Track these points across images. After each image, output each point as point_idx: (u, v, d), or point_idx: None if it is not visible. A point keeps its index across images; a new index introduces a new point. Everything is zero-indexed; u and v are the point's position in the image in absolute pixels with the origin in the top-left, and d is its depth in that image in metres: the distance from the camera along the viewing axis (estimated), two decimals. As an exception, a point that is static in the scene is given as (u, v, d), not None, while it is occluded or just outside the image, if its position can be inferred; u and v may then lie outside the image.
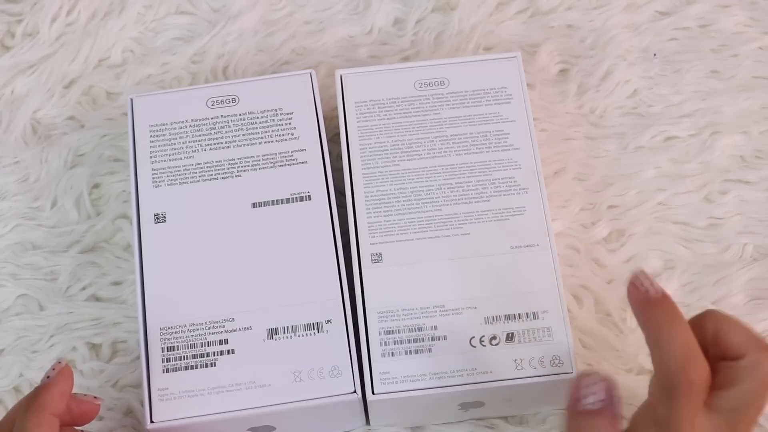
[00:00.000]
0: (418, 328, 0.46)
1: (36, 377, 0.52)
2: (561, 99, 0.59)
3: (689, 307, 0.52)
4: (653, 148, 0.57)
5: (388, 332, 0.46)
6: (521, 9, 0.62)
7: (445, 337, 0.46)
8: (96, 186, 0.57)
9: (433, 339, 0.46)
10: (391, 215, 0.48)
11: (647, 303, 0.39)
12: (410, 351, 0.46)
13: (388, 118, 0.51)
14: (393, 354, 0.46)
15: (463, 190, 0.49)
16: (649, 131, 0.57)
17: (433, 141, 0.50)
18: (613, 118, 0.58)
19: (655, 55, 0.60)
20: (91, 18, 0.62)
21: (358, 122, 0.51)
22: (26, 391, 0.52)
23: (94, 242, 0.56)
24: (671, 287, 0.53)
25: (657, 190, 0.56)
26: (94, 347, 0.53)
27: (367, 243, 0.48)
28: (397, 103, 0.51)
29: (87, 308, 0.54)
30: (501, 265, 0.47)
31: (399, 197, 0.49)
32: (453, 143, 0.50)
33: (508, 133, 0.50)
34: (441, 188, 0.49)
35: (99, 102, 0.60)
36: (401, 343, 0.46)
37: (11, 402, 0.52)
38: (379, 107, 0.51)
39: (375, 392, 0.45)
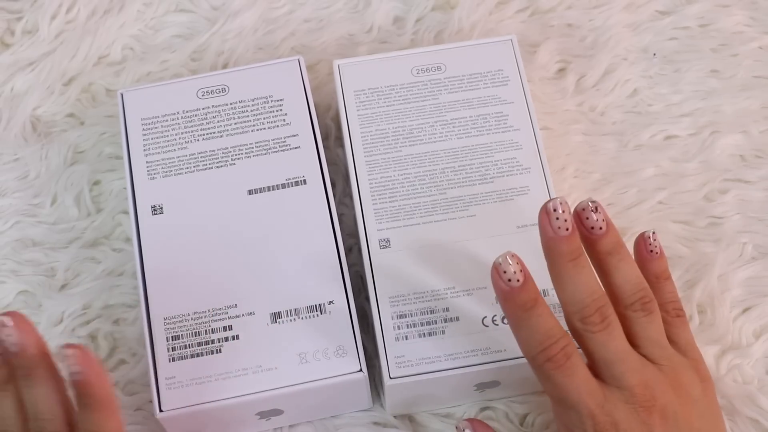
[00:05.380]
0: (430, 311, 0.46)
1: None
2: (560, 97, 0.59)
3: (689, 305, 0.52)
4: (653, 146, 0.57)
5: (401, 316, 0.46)
6: (521, 8, 0.62)
7: (457, 318, 0.46)
8: (96, 183, 0.57)
9: (445, 321, 0.46)
10: (397, 200, 0.49)
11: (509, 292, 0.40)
12: (424, 334, 0.46)
13: (387, 105, 0.51)
14: (407, 338, 0.46)
15: (466, 173, 0.49)
16: (648, 130, 0.58)
17: (433, 126, 0.50)
18: (613, 117, 0.58)
19: (654, 54, 0.60)
20: (91, 15, 0.62)
21: (357, 110, 0.51)
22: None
23: (94, 238, 0.55)
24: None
25: (657, 188, 0.56)
26: (94, 342, 0.53)
27: (375, 229, 0.48)
28: (395, 90, 0.51)
29: (86, 303, 0.53)
30: (508, 245, 0.47)
31: (403, 183, 0.49)
32: (453, 127, 0.50)
33: (507, 115, 0.51)
34: (444, 172, 0.49)
35: (98, 99, 0.60)
36: (414, 327, 0.46)
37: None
38: (377, 95, 0.51)
39: (392, 376, 0.45)
